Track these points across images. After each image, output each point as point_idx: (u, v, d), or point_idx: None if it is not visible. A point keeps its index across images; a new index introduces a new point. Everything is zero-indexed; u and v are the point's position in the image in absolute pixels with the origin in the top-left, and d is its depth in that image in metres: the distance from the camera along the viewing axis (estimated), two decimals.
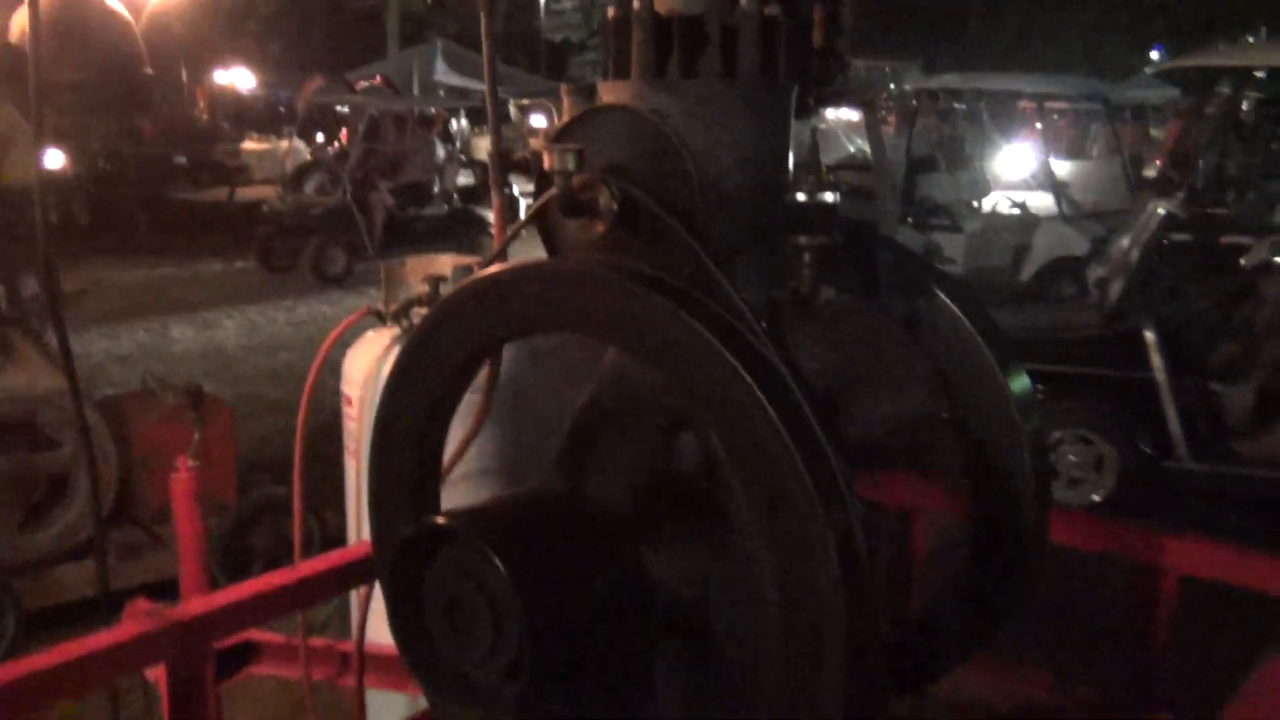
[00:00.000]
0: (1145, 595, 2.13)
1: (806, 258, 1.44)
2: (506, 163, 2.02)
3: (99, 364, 8.22)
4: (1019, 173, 11.15)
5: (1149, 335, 4.95)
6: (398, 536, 1.37)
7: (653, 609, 1.40)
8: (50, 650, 1.69)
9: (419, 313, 2.65)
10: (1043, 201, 9.83)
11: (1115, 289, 5.26)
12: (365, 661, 2.39)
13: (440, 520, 1.33)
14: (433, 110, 15.37)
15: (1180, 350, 5.06)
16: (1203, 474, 4.91)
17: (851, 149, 13.71)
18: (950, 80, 10.97)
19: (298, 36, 26.31)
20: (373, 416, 1.61)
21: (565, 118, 1.52)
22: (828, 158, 12.89)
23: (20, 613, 3.79)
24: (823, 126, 13.28)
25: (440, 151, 13.46)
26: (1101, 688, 2.15)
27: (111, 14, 2.02)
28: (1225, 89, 7.69)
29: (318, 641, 2.66)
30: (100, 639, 1.75)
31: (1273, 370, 4.87)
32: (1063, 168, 11.34)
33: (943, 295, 1.67)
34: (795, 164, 1.53)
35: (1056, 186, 9.65)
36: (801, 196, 1.50)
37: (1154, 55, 30.49)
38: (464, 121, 17.09)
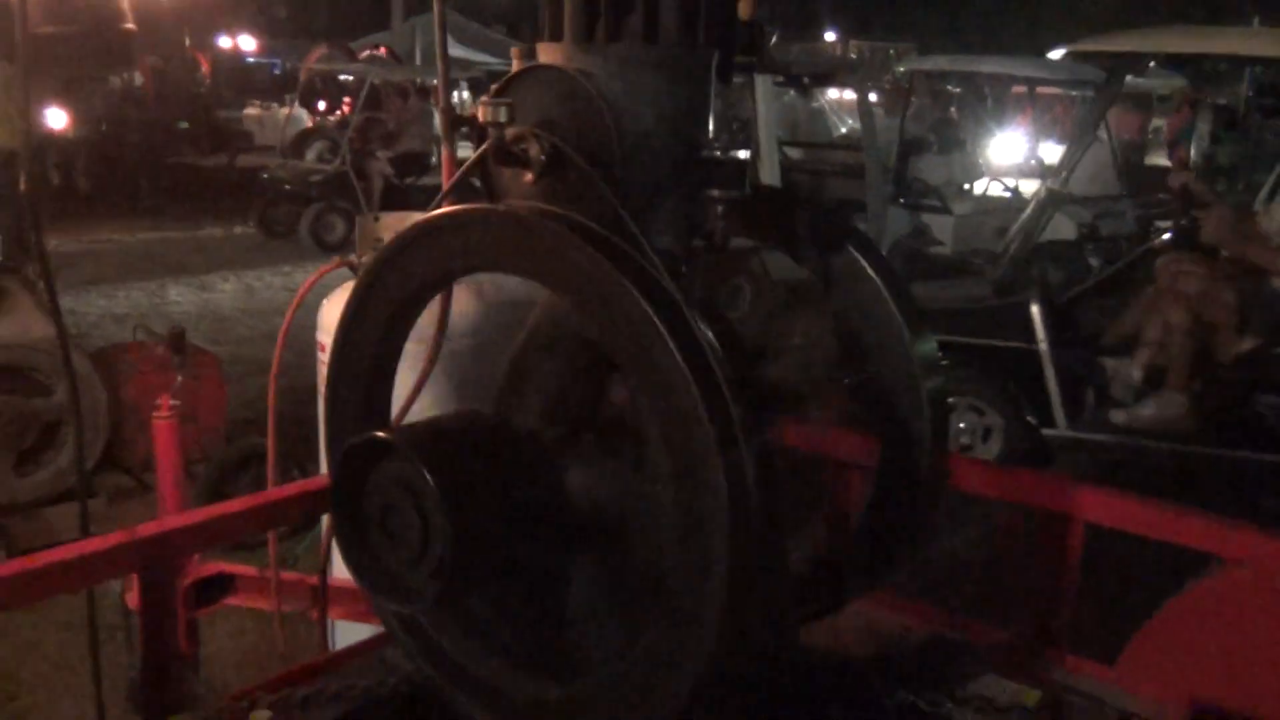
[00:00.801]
0: (1055, 541, 2.28)
1: (719, 209, 1.59)
2: (456, 119, 2.16)
3: (95, 322, 8.37)
4: (1011, 157, 11.24)
5: (1033, 309, 5.11)
6: (342, 449, 1.52)
7: (570, 522, 1.55)
8: (35, 554, 1.85)
9: None
10: (1034, 186, 9.93)
11: (1002, 263, 5.50)
12: (328, 592, 2.55)
13: (380, 434, 1.48)
14: (433, 80, 15.43)
15: (1069, 323, 5.22)
16: (1082, 442, 5.07)
17: (843, 129, 13.79)
18: (941, 62, 11.05)
19: (302, 3, 26.37)
20: None
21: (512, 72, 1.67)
22: (822, 136, 13.00)
23: (12, 552, 3.96)
24: (816, 105, 13.35)
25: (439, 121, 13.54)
26: (1008, 626, 2.31)
27: None
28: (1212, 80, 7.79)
29: (289, 575, 2.83)
30: (79, 546, 1.91)
31: (1158, 346, 4.98)
32: (1055, 153, 11.42)
33: (856, 253, 1.81)
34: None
35: (1046, 171, 9.74)
36: (718, 154, 1.63)
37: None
38: (465, 93, 17.14)
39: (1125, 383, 5.18)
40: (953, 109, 12.33)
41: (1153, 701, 2.06)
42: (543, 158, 1.52)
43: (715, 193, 1.58)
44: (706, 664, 1.41)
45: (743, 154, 1.61)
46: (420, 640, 1.71)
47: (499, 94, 1.59)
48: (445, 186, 1.77)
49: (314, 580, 2.75)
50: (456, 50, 19.54)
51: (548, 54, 1.61)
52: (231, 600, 2.73)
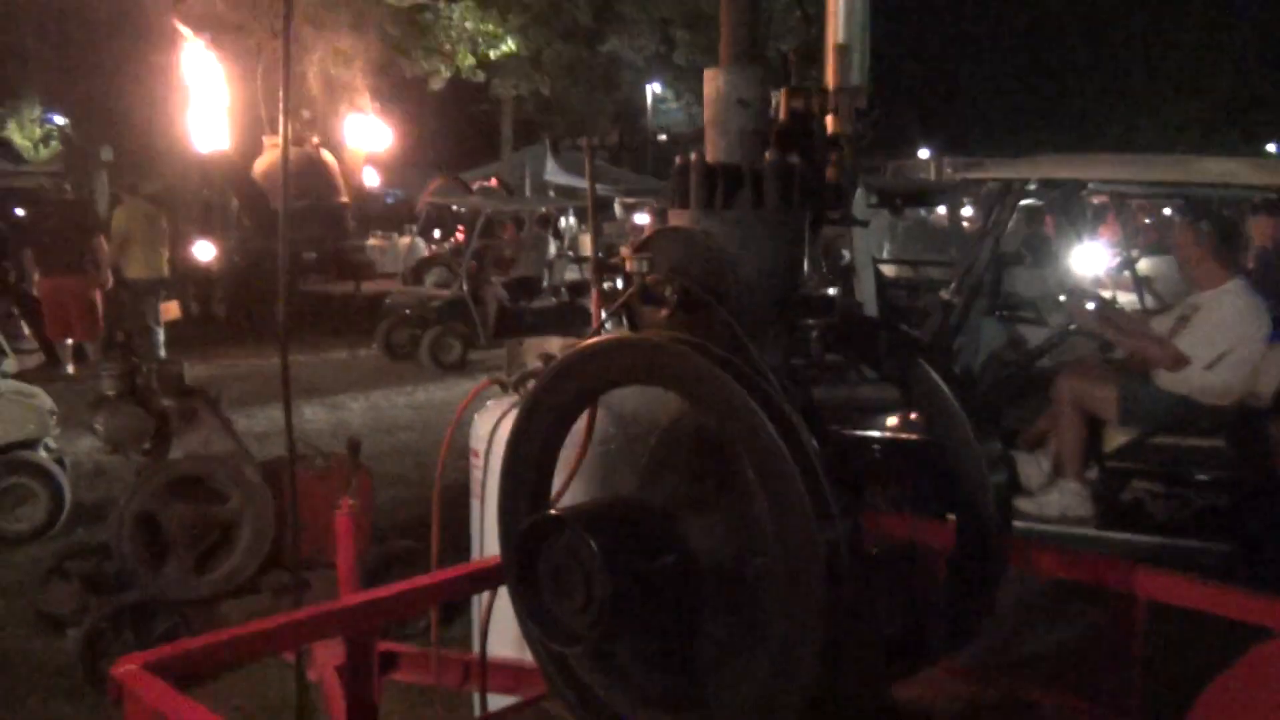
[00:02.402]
0: (1121, 618, 2.59)
1: (814, 334, 2.02)
2: (604, 265, 2.56)
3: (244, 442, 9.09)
4: (1106, 268, 11.45)
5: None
6: (522, 525, 1.96)
7: (697, 582, 1.96)
8: (252, 621, 2.31)
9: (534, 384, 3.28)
10: (1130, 297, 10.14)
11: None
12: (487, 665, 2.96)
13: (554, 512, 1.92)
14: (542, 209, 16.37)
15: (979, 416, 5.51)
16: None
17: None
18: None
19: (419, 138, 27.96)
20: (495, 466, 2.20)
21: (648, 232, 2.14)
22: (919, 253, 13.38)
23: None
24: (908, 223, 13.78)
25: (551, 248, 14.35)
26: (1084, 696, 2.60)
27: (323, 160, 2.68)
28: None
29: (447, 653, 3.26)
30: (295, 614, 2.37)
31: (1057, 439, 5.46)
32: (1150, 263, 11.62)
33: (928, 367, 2.22)
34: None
35: (1139, 282, 9.96)
36: (812, 290, 2.07)
37: (1270, 148, 30.33)
38: (572, 219, 18.05)
39: (1032, 474, 5.64)
40: (1046, 222, 12.62)
41: None
42: (675, 297, 1.97)
43: (810, 321, 2.02)
44: (800, 710, 1.78)
45: (831, 290, 2.04)
46: (571, 683, 2.12)
47: (639, 249, 2.06)
48: (596, 321, 2.23)
49: (469, 657, 3.18)
50: (563, 178, 20.62)
51: (676, 218, 2.08)
52: (396, 676, 3.18)
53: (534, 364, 3.22)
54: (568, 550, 1.90)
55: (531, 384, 3.26)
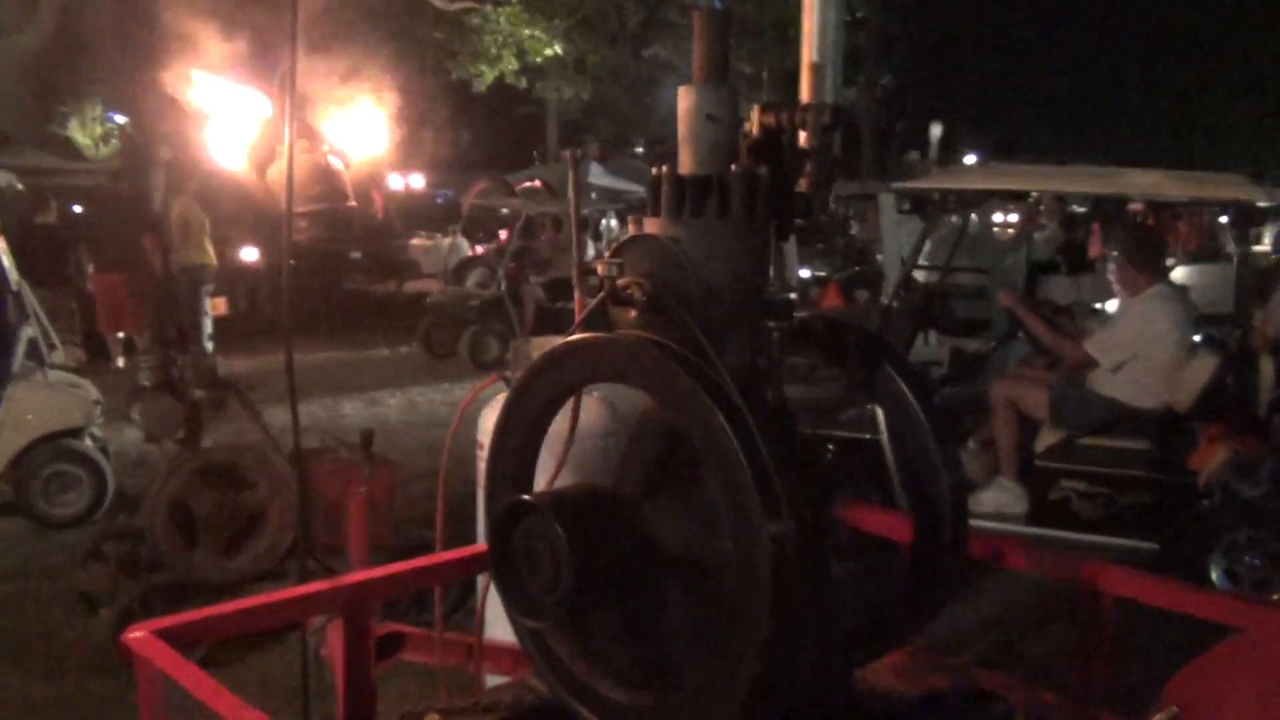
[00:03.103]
0: (1088, 612, 2.68)
1: (774, 336, 2.15)
2: (585, 268, 2.72)
3: (280, 431, 9.34)
4: None
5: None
6: (498, 509, 2.11)
7: (659, 563, 2.10)
8: (259, 596, 2.48)
9: None
10: None
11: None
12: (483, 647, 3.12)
13: (526, 498, 2.07)
14: (584, 211, 16.54)
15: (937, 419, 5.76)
16: None
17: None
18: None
19: (465, 142, 28.35)
20: None
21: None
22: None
23: None
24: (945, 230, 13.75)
25: (591, 250, 14.53)
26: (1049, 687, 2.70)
27: (330, 167, 2.86)
28: None
29: (450, 635, 3.42)
30: (296, 590, 2.54)
31: (995, 439, 5.80)
32: (1187, 271, 11.56)
33: (891, 369, 2.34)
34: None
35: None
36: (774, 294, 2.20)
37: None
38: (614, 221, 18.21)
39: (976, 472, 5.90)
40: (1081, 229, 12.59)
41: None
42: (643, 299, 2.11)
43: (771, 324, 2.14)
44: (752, 688, 1.91)
45: (791, 294, 2.17)
46: (547, 657, 2.26)
47: (614, 255, 2.20)
48: (576, 321, 2.38)
49: (471, 639, 3.34)
50: (607, 180, 20.77)
51: (650, 225, 2.21)
52: (402, 656, 3.35)
53: None
54: (538, 532, 2.04)
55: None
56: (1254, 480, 5.30)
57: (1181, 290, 6.12)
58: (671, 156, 2.22)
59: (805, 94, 2.48)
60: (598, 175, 21.06)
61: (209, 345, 11.37)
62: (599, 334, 2.16)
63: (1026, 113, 33.31)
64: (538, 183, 18.77)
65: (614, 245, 2.23)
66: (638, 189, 19.04)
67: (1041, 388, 5.80)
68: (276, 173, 2.85)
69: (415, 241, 18.50)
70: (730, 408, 1.92)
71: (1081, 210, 12.29)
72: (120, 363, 11.60)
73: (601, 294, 2.17)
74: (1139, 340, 5.69)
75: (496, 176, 18.80)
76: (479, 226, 18.85)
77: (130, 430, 7.36)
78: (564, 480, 2.71)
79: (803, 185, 2.28)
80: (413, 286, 15.98)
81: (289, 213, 2.30)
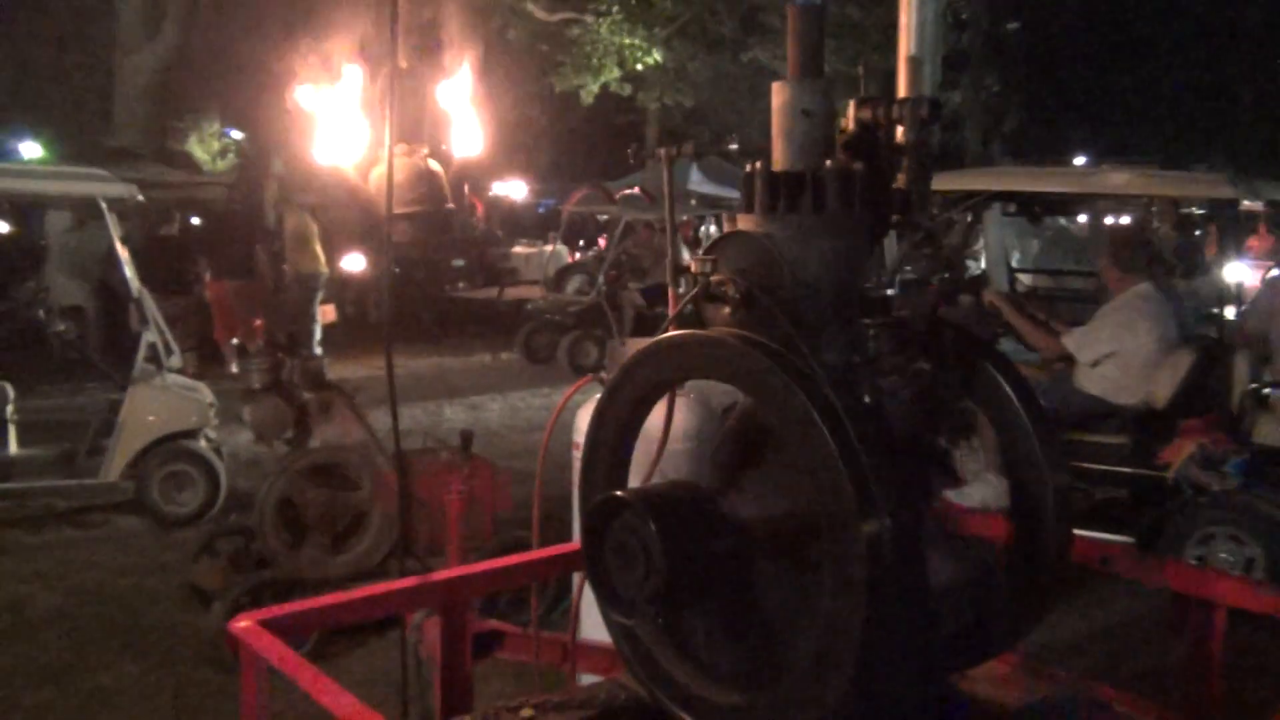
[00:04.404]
0: (1201, 624, 2.58)
1: (870, 333, 2.11)
2: (679, 268, 2.71)
3: (384, 435, 9.56)
4: (1253, 279, 10.95)
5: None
6: (591, 505, 2.12)
7: (751, 559, 2.08)
8: (358, 589, 2.53)
9: None
10: None
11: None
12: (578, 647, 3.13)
13: (618, 494, 2.07)
14: (683, 217, 16.56)
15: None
16: None
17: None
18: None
19: (565, 149, 28.64)
20: None
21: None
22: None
23: None
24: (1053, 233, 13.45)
25: (687, 255, 14.54)
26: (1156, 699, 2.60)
27: (429, 169, 2.92)
28: None
29: (546, 634, 3.45)
30: (394, 583, 2.58)
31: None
32: None
33: (993, 369, 2.28)
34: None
35: None
36: (870, 291, 2.17)
37: None
38: (713, 228, 18.21)
39: (969, 466, 5.74)
40: (1197, 234, 12.14)
41: None
42: (738, 296, 2.10)
43: (866, 320, 2.11)
44: (843, 687, 1.88)
45: (890, 290, 2.14)
46: (639, 654, 2.26)
47: (707, 252, 2.19)
48: (670, 318, 2.37)
49: (566, 638, 3.36)
50: (707, 188, 20.79)
51: (743, 221, 2.20)
52: (499, 653, 3.38)
53: None
54: (630, 529, 2.04)
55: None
56: (1220, 474, 5.45)
57: (1167, 292, 6.25)
58: (766, 153, 2.21)
59: (902, 89, 2.44)
60: (697, 182, 21.11)
61: (318, 350, 11.70)
62: (692, 331, 2.16)
63: (1142, 114, 32.25)
64: (637, 190, 18.88)
65: (708, 243, 2.22)
66: (738, 195, 19.03)
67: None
68: (377, 176, 2.91)
69: (516, 249, 18.74)
70: (825, 405, 1.90)
71: (1200, 212, 11.83)
72: (234, 368, 11.99)
73: (695, 291, 2.16)
74: (1118, 338, 5.79)
75: (596, 184, 18.97)
76: (579, 234, 19.02)
77: (243, 432, 7.60)
78: (657, 480, 2.71)
79: (900, 181, 2.25)
80: (513, 293, 16.18)
81: (389, 215, 2.35)
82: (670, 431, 2.69)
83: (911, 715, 2.14)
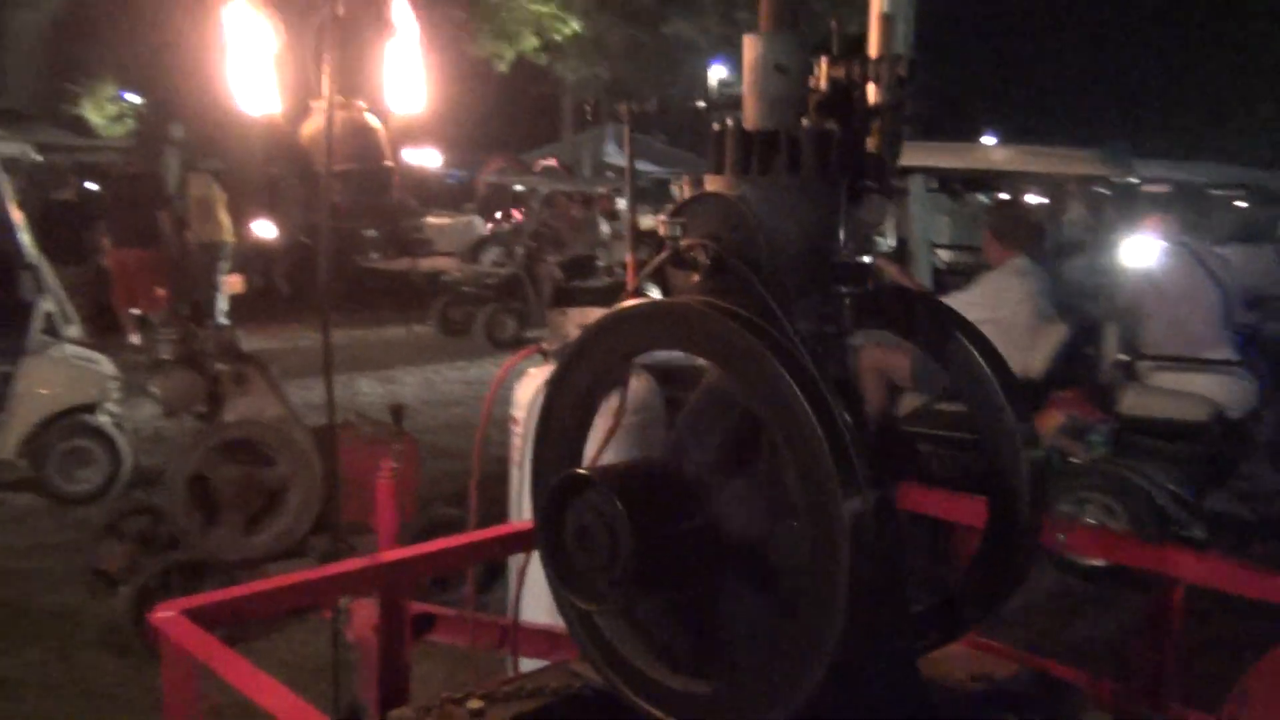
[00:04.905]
0: (1157, 598, 2.55)
1: (846, 302, 2.01)
2: (639, 234, 2.56)
3: (296, 409, 9.26)
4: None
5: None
6: (551, 483, 1.98)
7: (723, 545, 1.96)
8: (289, 575, 2.36)
9: None
10: None
11: None
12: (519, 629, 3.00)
13: (581, 472, 1.94)
14: (599, 190, 16.39)
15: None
16: None
17: None
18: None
19: (479, 120, 28.17)
20: (533, 433, 2.21)
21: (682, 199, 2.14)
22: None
23: None
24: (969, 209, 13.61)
25: (605, 228, 14.41)
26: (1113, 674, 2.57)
27: (368, 124, 2.72)
28: None
29: (482, 617, 3.30)
30: (332, 568, 2.41)
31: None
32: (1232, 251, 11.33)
33: (964, 340, 2.20)
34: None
35: None
36: (846, 259, 2.06)
37: None
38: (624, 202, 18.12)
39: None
40: (1110, 213, 12.38)
41: None
42: (708, 262, 1.97)
43: (842, 289, 2.01)
44: (821, 674, 1.78)
45: (866, 258, 2.03)
46: (597, 641, 2.13)
47: (675, 214, 2.06)
48: (630, 285, 2.24)
49: (504, 621, 3.22)
50: (622, 160, 20.63)
51: (712, 183, 2.07)
52: (432, 636, 3.23)
53: (575, 334, 3.24)
54: (594, 508, 1.91)
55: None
56: (1086, 445, 5.66)
57: (1038, 266, 6.44)
58: (735, 110, 2.08)
59: (874, 48, 2.33)
60: (613, 154, 20.95)
61: (224, 322, 11.28)
62: (662, 300, 2.03)
63: (1053, 96, 32.88)
64: (554, 161, 18.65)
65: (675, 205, 2.09)
66: (656, 170, 18.93)
67: (905, 354, 5.98)
68: (311, 129, 2.72)
69: (430, 220, 18.37)
70: (806, 378, 1.78)
71: (1108, 194, 12.06)
72: (134, 338, 11.51)
73: (661, 256, 2.03)
74: (991, 305, 5.89)
75: (512, 155, 18.69)
76: (494, 205, 18.71)
77: (147, 405, 7.26)
78: (609, 456, 2.58)
79: (870, 143, 2.14)
80: (428, 265, 15.85)
81: (328, 172, 2.16)
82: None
83: (883, 700, 2.06)
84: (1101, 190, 12.40)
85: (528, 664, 3.21)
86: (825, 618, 1.76)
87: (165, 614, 2.14)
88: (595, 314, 3.55)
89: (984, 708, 2.29)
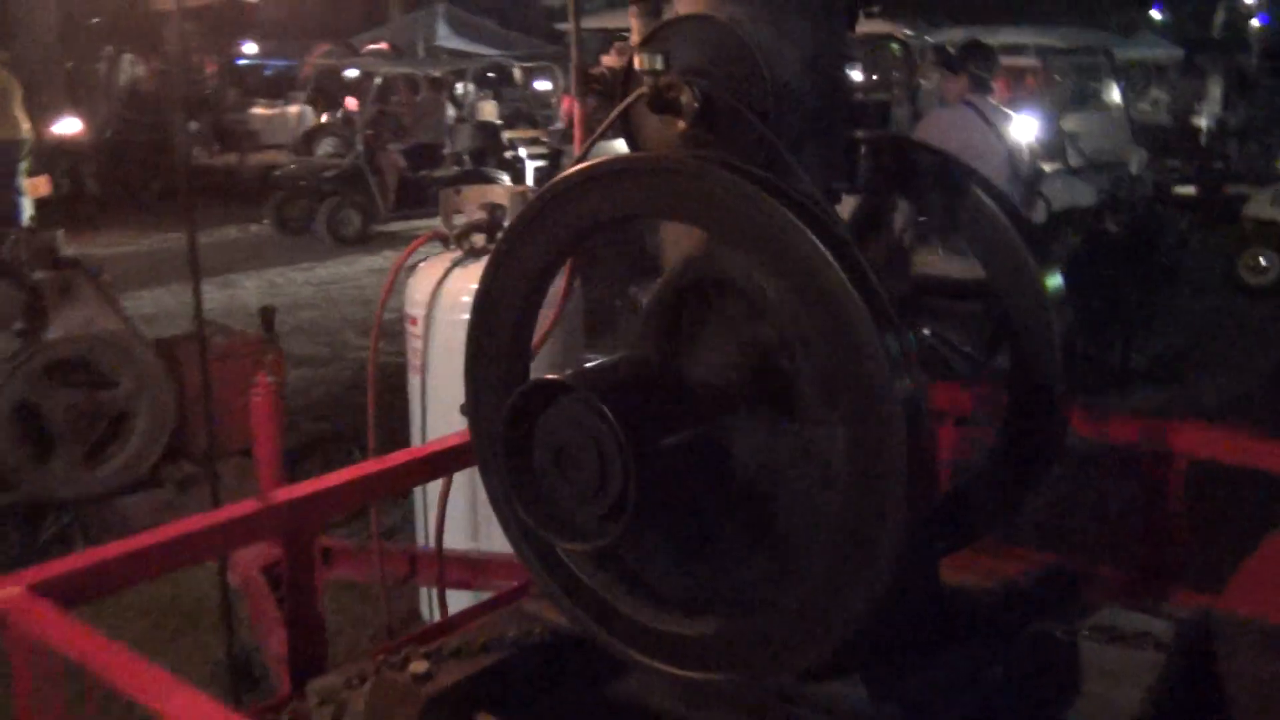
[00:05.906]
0: (1158, 479, 2.33)
1: (863, 149, 1.62)
2: (588, 77, 2.20)
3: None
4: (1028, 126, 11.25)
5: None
6: (506, 396, 1.56)
7: (728, 475, 1.59)
8: (186, 520, 1.89)
9: (478, 237, 2.84)
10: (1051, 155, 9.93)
11: None
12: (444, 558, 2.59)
13: (555, 377, 1.52)
14: (436, 73, 15.47)
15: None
16: None
17: None
18: (956, 35, 11.04)
19: (293, 6, 26.30)
20: (439, 334, 1.79)
21: (636, 35, 1.70)
22: None
23: (89, 542, 4.00)
24: None
25: (449, 113, 13.60)
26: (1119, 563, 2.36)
27: None
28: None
29: (390, 547, 2.88)
30: (222, 513, 1.95)
31: None
32: (1069, 121, 11.43)
33: (983, 196, 1.85)
34: None
35: (1064, 139, 9.76)
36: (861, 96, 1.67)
37: (1154, 14, 30.36)
38: (470, 85, 17.17)
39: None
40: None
41: None
42: (695, 105, 1.55)
43: (860, 133, 1.62)
44: (881, 588, 1.45)
45: (884, 96, 1.65)
46: (566, 582, 1.75)
47: (648, 42, 1.62)
48: (579, 141, 1.80)
49: (415, 550, 2.81)
50: (456, 43, 19.56)
51: (687, 5, 1.64)
52: (331, 573, 2.79)
53: (477, 214, 2.78)
54: (574, 422, 1.50)
55: (472, 243, 2.84)
56: None
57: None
58: None
59: None
60: (446, 37, 19.81)
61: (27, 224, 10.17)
62: (637, 156, 1.60)
63: None
64: (384, 45, 17.50)
65: (647, 32, 1.65)
66: (490, 52, 17.95)
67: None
68: None
69: (255, 110, 17.07)
70: (842, 248, 1.41)
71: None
72: None
73: (633, 96, 1.60)
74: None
75: (339, 39, 17.45)
76: (324, 94, 17.49)
77: None
78: (549, 351, 2.17)
79: None
80: (257, 159, 14.74)
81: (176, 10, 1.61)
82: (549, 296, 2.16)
83: (909, 610, 1.75)
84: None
85: (453, 596, 2.84)
86: (877, 529, 1.42)
87: (9, 590, 1.65)
88: (497, 191, 3.09)
89: (1001, 611, 2.01)
